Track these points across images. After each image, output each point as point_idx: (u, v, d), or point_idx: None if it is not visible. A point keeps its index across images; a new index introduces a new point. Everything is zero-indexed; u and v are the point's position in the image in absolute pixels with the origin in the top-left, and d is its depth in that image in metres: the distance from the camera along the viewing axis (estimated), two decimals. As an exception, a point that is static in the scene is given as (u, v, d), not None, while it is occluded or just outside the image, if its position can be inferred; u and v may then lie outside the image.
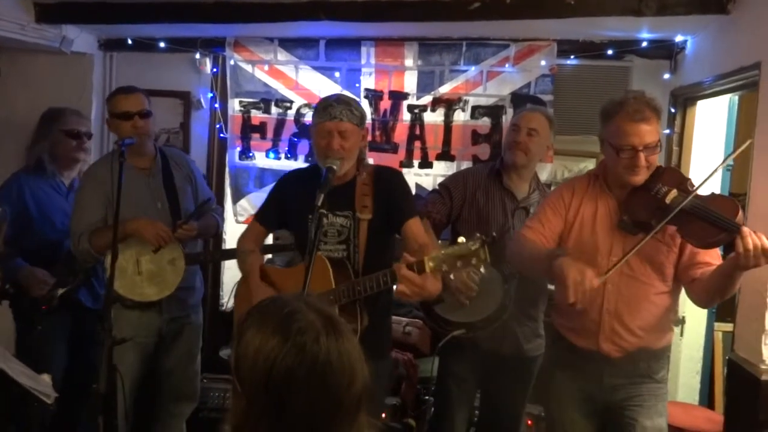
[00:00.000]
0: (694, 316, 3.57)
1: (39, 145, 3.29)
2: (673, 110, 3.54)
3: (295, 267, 2.69)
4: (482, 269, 2.08)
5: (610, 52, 3.55)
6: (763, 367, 2.42)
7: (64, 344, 3.25)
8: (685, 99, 3.47)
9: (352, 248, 2.47)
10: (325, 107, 2.44)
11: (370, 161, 2.83)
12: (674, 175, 2.34)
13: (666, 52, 3.53)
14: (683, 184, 2.25)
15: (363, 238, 2.45)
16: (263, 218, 2.72)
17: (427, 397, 3.35)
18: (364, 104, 3.73)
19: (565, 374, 2.51)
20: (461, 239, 2.05)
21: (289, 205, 2.60)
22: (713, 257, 2.27)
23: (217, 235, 3.90)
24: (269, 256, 3.80)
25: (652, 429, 2.35)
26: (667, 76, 3.58)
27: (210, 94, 3.98)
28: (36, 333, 3.08)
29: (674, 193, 2.20)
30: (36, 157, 3.27)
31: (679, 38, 3.45)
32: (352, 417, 1.20)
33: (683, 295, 2.47)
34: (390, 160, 3.73)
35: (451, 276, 2.09)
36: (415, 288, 2.12)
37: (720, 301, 2.38)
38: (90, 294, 3.32)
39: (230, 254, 3.80)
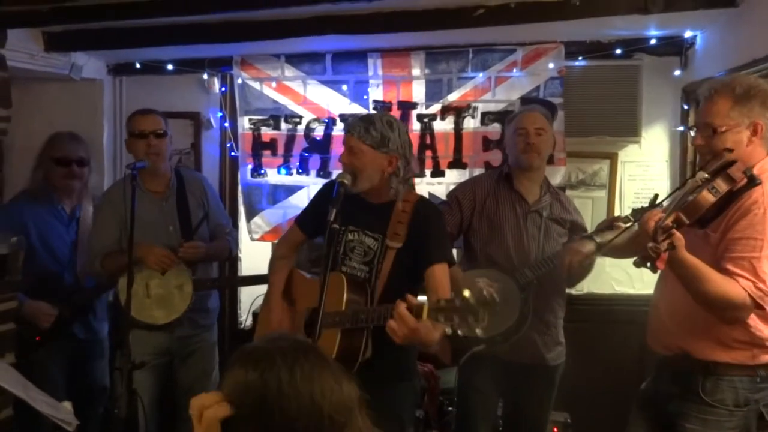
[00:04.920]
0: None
1: (35, 172, 3.28)
2: (686, 107, 3.49)
3: (318, 279, 2.65)
4: (478, 331, 1.89)
5: (618, 51, 3.51)
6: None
7: (60, 375, 3.21)
8: (697, 95, 3.40)
9: (374, 272, 2.40)
10: (351, 120, 2.44)
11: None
12: (728, 165, 2.10)
13: (675, 48, 3.49)
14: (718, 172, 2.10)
15: (387, 266, 2.37)
16: (302, 222, 2.63)
17: (450, 408, 3.30)
18: (373, 116, 3.72)
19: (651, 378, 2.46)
20: (467, 293, 1.93)
21: (323, 216, 2.43)
22: (733, 265, 2.07)
23: (232, 259, 3.92)
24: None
25: None
26: (677, 72, 3.54)
27: (219, 114, 3.98)
28: (31, 364, 2.98)
29: (698, 178, 2.08)
30: (34, 184, 3.26)
31: (688, 34, 3.40)
32: None
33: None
34: (402, 170, 3.70)
35: (447, 330, 1.96)
36: (405, 330, 1.97)
37: (710, 309, 2.11)
38: (83, 327, 3.31)
39: (244, 281, 3.83)
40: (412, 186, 2.55)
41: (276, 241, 2.77)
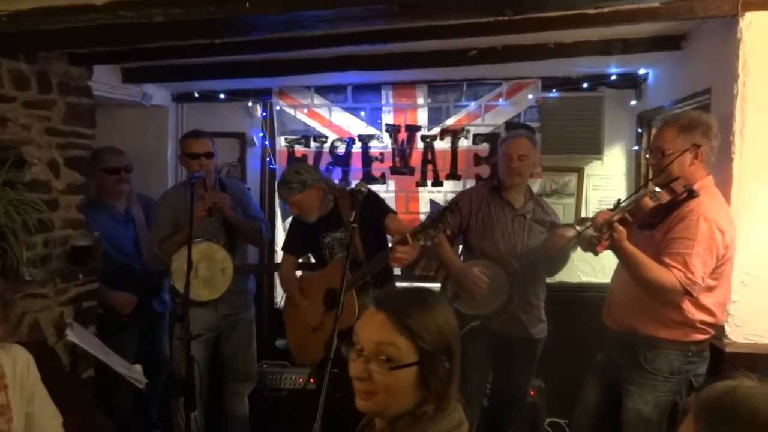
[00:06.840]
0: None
1: (91, 183, 3.21)
2: (639, 130, 3.51)
3: (320, 272, 2.93)
4: (447, 231, 2.39)
5: (585, 85, 3.54)
6: (726, 341, 2.34)
7: (136, 345, 3.28)
8: (649, 121, 3.44)
9: (352, 249, 2.58)
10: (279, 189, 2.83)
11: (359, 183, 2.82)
12: (671, 180, 2.16)
13: (631, 82, 3.51)
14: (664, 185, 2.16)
15: (357, 239, 2.61)
16: (289, 250, 3.04)
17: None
18: (386, 137, 3.77)
19: (604, 349, 2.48)
20: (423, 218, 2.16)
21: (300, 239, 2.96)
22: (669, 258, 2.09)
23: (270, 248, 3.96)
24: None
25: (633, 411, 2.23)
26: (633, 102, 3.56)
27: (261, 134, 4.02)
28: (120, 339, 3.08)
29: (649, 189, 2.16)
30: (91, 194, 3.18)
31: (642, 71, 3.43)
32: None
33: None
34: (408, 181, 3.75)
35: (428, 242, 2.36)
36: (406, 256, 2.42)
37: (650, 293, 2.13)
38: (159, 302, 3.38)
39: (278, 267, 3.85)
40: (343, 189, 3.00)
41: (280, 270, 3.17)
